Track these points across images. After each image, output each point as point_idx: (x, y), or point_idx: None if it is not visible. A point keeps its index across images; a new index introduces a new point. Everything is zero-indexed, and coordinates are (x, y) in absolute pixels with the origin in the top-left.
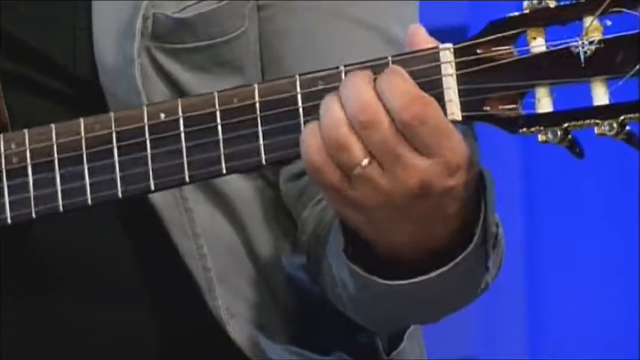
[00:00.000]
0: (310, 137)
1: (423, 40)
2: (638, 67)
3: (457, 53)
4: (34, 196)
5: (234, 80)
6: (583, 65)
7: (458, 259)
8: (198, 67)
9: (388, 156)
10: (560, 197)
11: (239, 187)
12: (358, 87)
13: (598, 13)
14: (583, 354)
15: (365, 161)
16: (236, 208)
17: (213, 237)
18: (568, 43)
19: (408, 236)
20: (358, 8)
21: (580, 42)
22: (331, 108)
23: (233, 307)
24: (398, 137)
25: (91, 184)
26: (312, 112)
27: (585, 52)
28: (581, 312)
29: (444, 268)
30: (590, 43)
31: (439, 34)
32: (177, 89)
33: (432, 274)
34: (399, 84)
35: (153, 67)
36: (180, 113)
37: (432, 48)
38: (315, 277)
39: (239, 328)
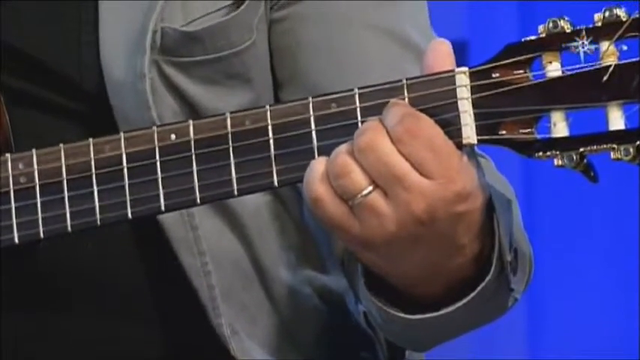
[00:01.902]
0: (315, 166)
1: (441, 58)
2: None
3: (473, 77)
4: (42, 216)
5: (244, 92)
6: (599, 90)
7: (475, 293)
8: (207, 80)
9: (389, 178)
10: (561, 196)
11: (246, 201)
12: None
13: (615, 38)
14: (583, 354)
15: (367, 189)
16: (243, 222)
17: (219, 253)
18: (584, 68)
19: (419, 269)
20: (372, 14)
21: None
22: None
23: (236, 323)
24: (397, 157)
25: (100, 206)
26: (325, 135)
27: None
28: (580, 312)
29: (462, 302)
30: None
31: None
32: (186, 102)
33: (450, 308)
34: (397, 107)
35: (162, 81)
36: (192, 135)
37: (448, 71)
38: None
39: (241, 346)
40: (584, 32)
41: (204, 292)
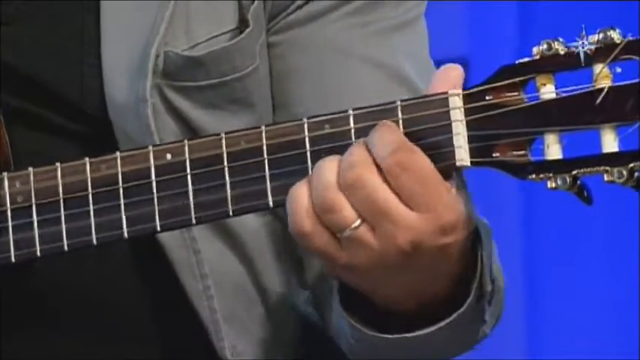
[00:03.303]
0: (299, 199)
1: (448, 82)
2: None
3: (466, 99)
4: (38, 234)
5: (246, 117)
6: (593, 112)
7: (452, 318)
8: (209, 105)
9: (377, 212)
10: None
11: (246, 222)
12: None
13: (608, 60)
14: (583, 354)
15: (355, 223)
16: (244, 243)
17: (222, 275)
18: (578, 90)
19: (401, 291)
20: (368, 46)
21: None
22: (325, 170)
23: (239, 345)
24: (386, 192)
25: (96, 224)
26: (320, 156)
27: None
28: (580, 312)
29: (438, 325)
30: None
31: (440, 65)
32: (189, 127)
33: (426, 331)
34: (388, 135)
35: (164, 105)
36: (187, 155)
37: (441, 93)
38: (322, 315)
39: None
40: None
41: (206, 315)
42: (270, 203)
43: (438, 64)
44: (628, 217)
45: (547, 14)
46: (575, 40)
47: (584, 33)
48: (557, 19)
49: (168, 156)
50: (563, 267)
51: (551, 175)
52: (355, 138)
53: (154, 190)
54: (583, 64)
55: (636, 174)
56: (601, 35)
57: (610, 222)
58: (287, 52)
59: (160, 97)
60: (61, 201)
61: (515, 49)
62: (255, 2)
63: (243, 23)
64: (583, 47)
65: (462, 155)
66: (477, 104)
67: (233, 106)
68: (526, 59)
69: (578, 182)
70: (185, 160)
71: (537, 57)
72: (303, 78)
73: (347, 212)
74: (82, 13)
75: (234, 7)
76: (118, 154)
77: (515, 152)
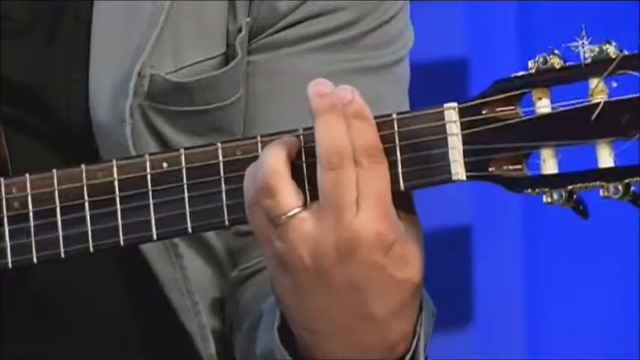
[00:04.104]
0: (248, 172)
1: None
2: None
3: (462, 112)
4: (35, 241)
5: None
6: (588, 127)
7: None
8: (191, 130)
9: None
10: None
11: (223, 239)
12: (330, 126)
13: (604, 75)
14: (583, 354)
15: (294, 210)
16: (222, 259)
17: (205, 291)
18: (573, 104)
19: (326, 323)
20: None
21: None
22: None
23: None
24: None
25: (92, 231)
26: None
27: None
28: (580, 312)
29: None
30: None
31: (439, 66)
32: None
33: None
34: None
35: (146, 127)
36: (184, 163)
37: (437, 106)
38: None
39: None
40: (573, 69)
41: (195, 331)
42: None
43: (438, 64)
44: (628, 216)
45: (547, 15)
46: (572, 50)
47: (581, 41)
48: (556, 20)
49: (165, 165)
50: (563, 267)
51: (547, 189)
52: None
53: (151, 199)
54: (579, 79)
55: (632, 189)
56: (597, 49)
57: (610, 222)
58: (255, 74)
59: (142, 118)
60: (58, 208)
61: (514, 50)
62: (243, 32)
63: (230, 49)
64: (579, 61)
65: (458, 169)
66: (473, 118)
67: (214, 133)
68: (521, 73)
69: (575, 197)
70: (182, 169)
71: (533, 70)
72: (262, 102)
73: (283, 198)
74: (76, 29)
75: (222, 32)
76: (114, 162)
77: (511, 167)
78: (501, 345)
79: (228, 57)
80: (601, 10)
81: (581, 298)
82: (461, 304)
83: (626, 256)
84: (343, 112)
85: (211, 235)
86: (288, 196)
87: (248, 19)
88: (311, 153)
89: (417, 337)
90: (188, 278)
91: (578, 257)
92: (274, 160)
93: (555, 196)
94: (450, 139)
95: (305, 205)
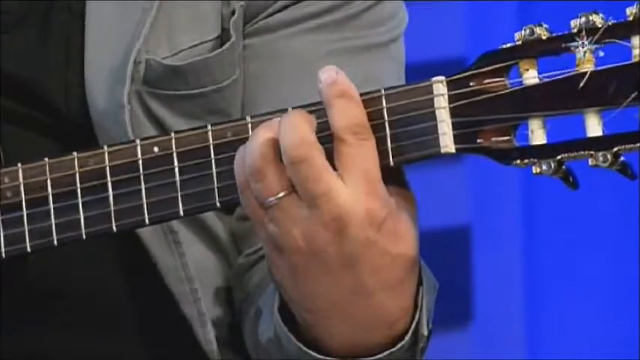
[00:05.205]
0: (237, 157)
1: None
2: (632, 97)
3: (450, 85)
4: (28, 230)
5: None
6: (576, 97)
7: (384, 354)
8: (188, 114)
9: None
10: (561, 194)
11: (225, 223)
12: (294, 123)
13: (590, 44)
14: (583, 355)
15: (281, 193)
16: (224, 244)
17: (206, 278)
18: (561, 74)
19: (325, 302)
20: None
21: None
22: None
23: (227, 347)
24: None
25: (85, 218)
26: None
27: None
28: (580, 313)
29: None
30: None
31: (437, 65)
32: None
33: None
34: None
35: (144, 112)
36: (174, 148)
37: (425, 80)
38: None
39: None
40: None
41: (194, 317)
42: None
43: (438, 63)
44: (628, 216)
45: (547, 14)
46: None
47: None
48: (556, 20)
49: (156, 149)
50: (563, 266)
51: (536, 160)
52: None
53: (142, 184)
54: (565, 49)
55: (621, 158)
56: (583, 19)
57: (610, 221)
58: (253, 57)
59: (139, 103)
60: (50, 196)
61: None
62: (236, 14)
63: (225, 33)
64: (583, 47)
65: (447, 142)
66: (461, 91)
67: (211, 116)
68: (509, 44)
69: (564, 167)
70: (172, 153)
71: (519, 42)
72: (262, 84)
73: (272, 184)
74: (70, 20)
75: (217, 16)
76: (105, 148)
77: (499, 138)
78: (501, 345)
79: (222, 40)
80: (601, 11)
81: (581, 298)
82: (460, 304)
83: (626, 256)
84: (327, 92)
85: (214, 222)
86: (276, 179)
87: (242, 3)
88: None
89: (418, 311)
90: (187, 265)
91: (577, 257)
92: (261, 144)
93: (544, 167)
94: (438, 112)
95: (294, 187)
